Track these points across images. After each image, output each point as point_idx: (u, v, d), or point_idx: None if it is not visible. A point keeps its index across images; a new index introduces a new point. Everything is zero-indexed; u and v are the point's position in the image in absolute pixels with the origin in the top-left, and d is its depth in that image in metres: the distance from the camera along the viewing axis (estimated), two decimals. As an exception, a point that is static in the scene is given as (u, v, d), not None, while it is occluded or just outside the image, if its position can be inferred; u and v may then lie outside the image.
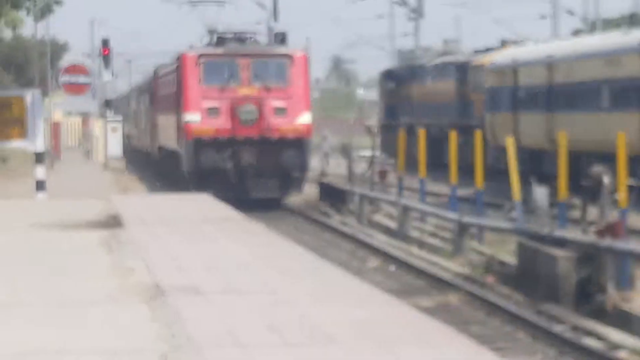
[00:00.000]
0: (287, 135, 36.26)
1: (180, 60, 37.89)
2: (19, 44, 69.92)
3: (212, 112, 36.15)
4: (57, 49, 73.06)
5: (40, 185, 32.43)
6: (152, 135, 49.63)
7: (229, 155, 35.91)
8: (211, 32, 40.55)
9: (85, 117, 78.08)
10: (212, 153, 35.81)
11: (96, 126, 67.43)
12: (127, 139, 64.05)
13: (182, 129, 36.96)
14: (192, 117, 36.22)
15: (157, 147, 47.36)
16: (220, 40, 38.13)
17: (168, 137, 42.03)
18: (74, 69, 53.90)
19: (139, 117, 57.34)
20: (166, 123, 42.71)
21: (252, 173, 35.93)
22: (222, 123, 36.18)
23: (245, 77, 36.65)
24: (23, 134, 32.02)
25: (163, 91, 44.70)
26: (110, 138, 59.46)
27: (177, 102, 38.11)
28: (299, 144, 36.42)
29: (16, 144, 32.82)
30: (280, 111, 36.30)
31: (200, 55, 37.10)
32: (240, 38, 38.21)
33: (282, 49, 38.32)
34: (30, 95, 32.72)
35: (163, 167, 45.58)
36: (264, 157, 35.99)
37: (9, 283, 14.93)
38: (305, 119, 36.68)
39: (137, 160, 60.44)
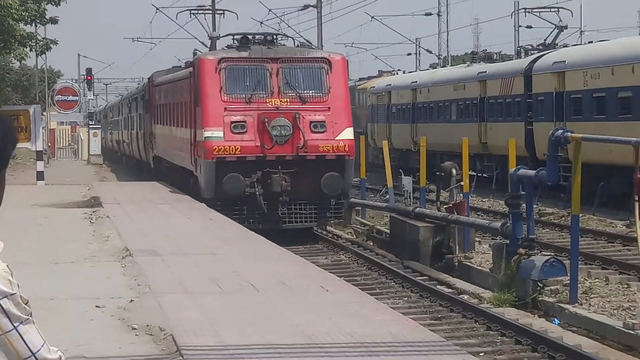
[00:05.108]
0: (326, 154, 22.17)
1: (196, 65, 23.43)
2: (24, 71, 68.90)
3: (237, 127, 21.94)
4: (53, 76, 71.94)
5: (39, 175, 32.02)
6: (145, 143, 35.99)
7: (258, 178, 21.92)
8: (212, 38, 28.80)
9: (73, 125, 77.10)
10: (238, 176, 21.72)
11: (82, 132, 66.69)
12: (116, 143, 53.38)
13: (200, 146, 22.67)
14: (213, 134, 21.99)
15: (153, 157, 33.83)
16: (244, 42, 23.27)
17: (172, 151, 28.30)
18: (66, 90, 53.19)
19: (129, 124, 43.84)
20: (169, 134, 28.97)
21: (285, 200, 22.05)
22: (249, 140, 21.93)
23: (276, 86, 22.39)
24: (27, 137, 31.71)
25: (165, 99, 30.51)
26: (92, 141, 58.83)
27: (191, 114, 24.08)
28: (340, 165, 22.24)
29: (22, 145, 32.48)
30: (318, 126, 22.27)
31: (221, 60, 22.61)
32: (266, 39, 23.58)
33: (317, 52, 24.36)
34: (32, 110, 32.41)
35: (161, 178, 31.09)
36: (300, 181, 22.00)
37: (14, 246, 14.63)
38: (346, 134, 22.56)
39: (129, 166, 47.27)
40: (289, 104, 22.30)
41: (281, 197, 21.96)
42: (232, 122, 21.93)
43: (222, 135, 21.93)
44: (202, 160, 22.39)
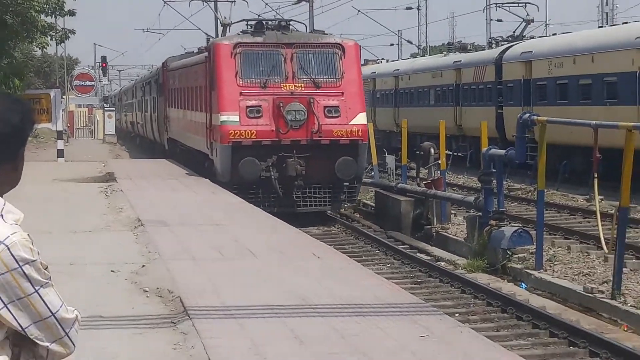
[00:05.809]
0: (340, 138, 20.19)
1: (212, 50, 21.35)
2: (45, 59, 68.47)
3: (253, 111, 20.08)
4: (71, 63, 71.57)
5: (60, 153, 31.88)
6: (159, 125, 33.86)
7: (274, 163, 20.13)
8: (225, 25, 26.83)
9: (90, 107, 76.83)
10: (254, 160, 19.96)
11: (97, 114, 66.47)
12: (130, 124, 50.59)
13: (216, 130, 20.80)
14: (229, 118, 20.15)
15: (167, 139, 31.46)
16: (259, 27, 21.31)
17: (187, 134, 26.24)
18: (83, 76, 52.90)
19: (143, 106, 41.02)
20: (184, 118, 26.80)
21: (300, 184, 20.29)
22: (264, 125, 20.06)
23: (290, 71, 20.42)
24: (49, 119, 31.52)
25: (179, 84, 28.02)
26: (106, 122, 58.60)
27: (207, 99, 22.05)
28: (354, 149, 20.26)
29: (44, 125, 32.32)
30: (332, 111, 20.26)
31: (237, 45, 20.61)
32: (281, 25, 21.56)
33: (331, 38, 21.80)
34: (53, 93, 32.23)
35: (175, 159, 28.75)
36: (314, 165, 20.18)
37: (38, 217, 14.57)
38: (360, 119, 20.43)
39: (142, 146, 44.51)
40: (303, 89, 20.35)
41: (296, 181, 20.20)
42: (247, 107, 20.07)
43: (238, 120, 20.06)
44: (218, 145, 20.52)
